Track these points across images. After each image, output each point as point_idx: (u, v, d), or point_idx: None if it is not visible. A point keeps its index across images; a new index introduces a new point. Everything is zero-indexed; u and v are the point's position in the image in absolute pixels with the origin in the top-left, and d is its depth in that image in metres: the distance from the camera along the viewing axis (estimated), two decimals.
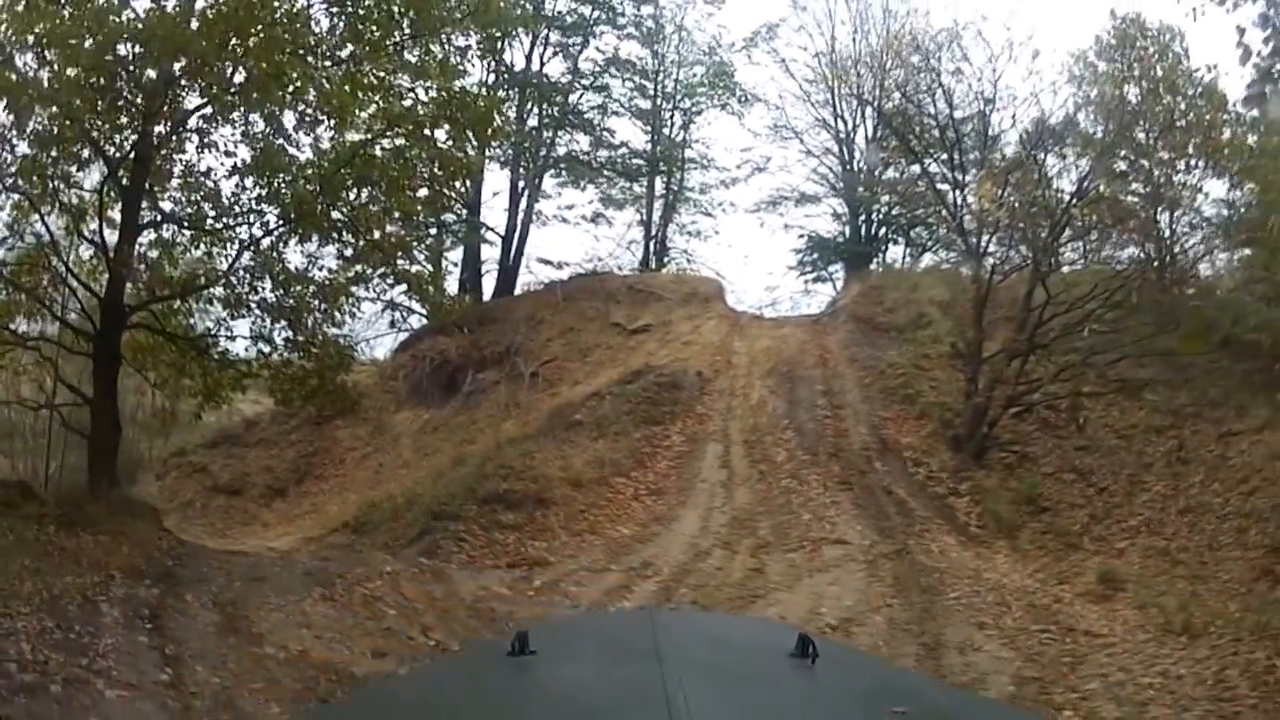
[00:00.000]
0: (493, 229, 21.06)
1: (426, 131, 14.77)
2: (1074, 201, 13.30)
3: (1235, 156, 14.74)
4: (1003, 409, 13.13)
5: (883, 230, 23.16)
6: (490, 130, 16.90)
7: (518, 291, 20.64)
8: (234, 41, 11.39)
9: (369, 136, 13.45)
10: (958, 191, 14.03)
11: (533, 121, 21.60)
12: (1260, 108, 11.84)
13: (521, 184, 21.33)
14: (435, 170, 15.47)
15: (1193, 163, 14.91)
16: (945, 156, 14.39)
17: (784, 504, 12.32)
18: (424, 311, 17.27)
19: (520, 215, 20.97)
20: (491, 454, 14.06)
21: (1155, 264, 14.64)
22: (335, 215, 12.73)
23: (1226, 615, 10.81)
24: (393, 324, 16.16)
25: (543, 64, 21.55)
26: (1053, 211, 13.22)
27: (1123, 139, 14.64)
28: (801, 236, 23.55)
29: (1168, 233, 15.40)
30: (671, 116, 23.50)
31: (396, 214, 14.12)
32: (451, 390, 17.18)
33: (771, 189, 23.75)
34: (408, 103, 14.64)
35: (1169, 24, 15.64)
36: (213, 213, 12.19)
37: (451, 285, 20.39)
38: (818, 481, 12.84)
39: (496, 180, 22.71)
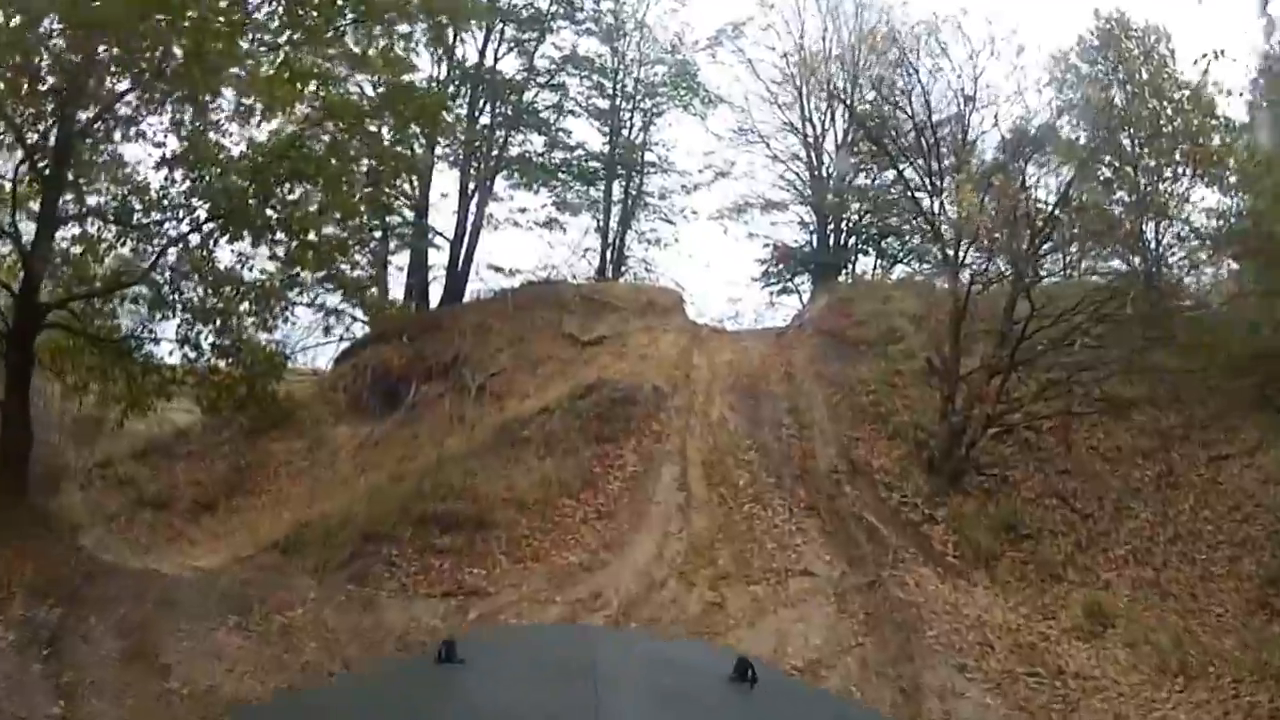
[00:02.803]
0: (441, 234, 19.95)
1: (370, 127, 13.94)
2: (1057, 209, 12.41)
3: (1225, 163, 14.07)
4: (982, 429, 12.16)
5: (852, 240, 22.32)
6: (438, 125, 15.97)
7: (467, 299, 19.47)
8: (160, 19, 10.46)
9: (304, 128, 12.61)
10: (934, 198, 13.12)
11: (485, 120, 20.56)
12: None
13: (472, 186, 20.24)
14: (377, 166, 14.53)
15: (1180, 170, 14.18)
16: (921, 161, 13.46)
17: (746, 530, 11.23)
18: (365, 318, 16.24)
19: (470, 219, 19.86)
20: (430, 472, 12.93)
21: (1143, 276, 13.80)
22: (268, 213, 11.90)
23: (1224, 653, 10.01)
24: (327, 330, 14.93)
25: (496, 60, 20.55)
26: (1033, 220, 12.32)
27: (1107, 145, 13.86)
28: (766, 245, 22.65)
29: (1154, 244, 14.65)
30: (631, 117, 22.57)
31: (336, 214, 13.26)
32: (394, 403, 16.13)
33: (736, 195, 22.87)
34: (349, 92, 13.77)
35: (1155, 24, 15.05)
36: (140, 207, 11.50)
37: (397, 292, 19.33)
38: (783, 506, 11.77)
39: (445, 182, 21.68)
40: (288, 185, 12.00)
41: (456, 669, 1.85)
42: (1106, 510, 12.75)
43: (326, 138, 12.93)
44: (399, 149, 14.80)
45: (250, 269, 11.97)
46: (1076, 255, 14.31)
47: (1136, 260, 14.30)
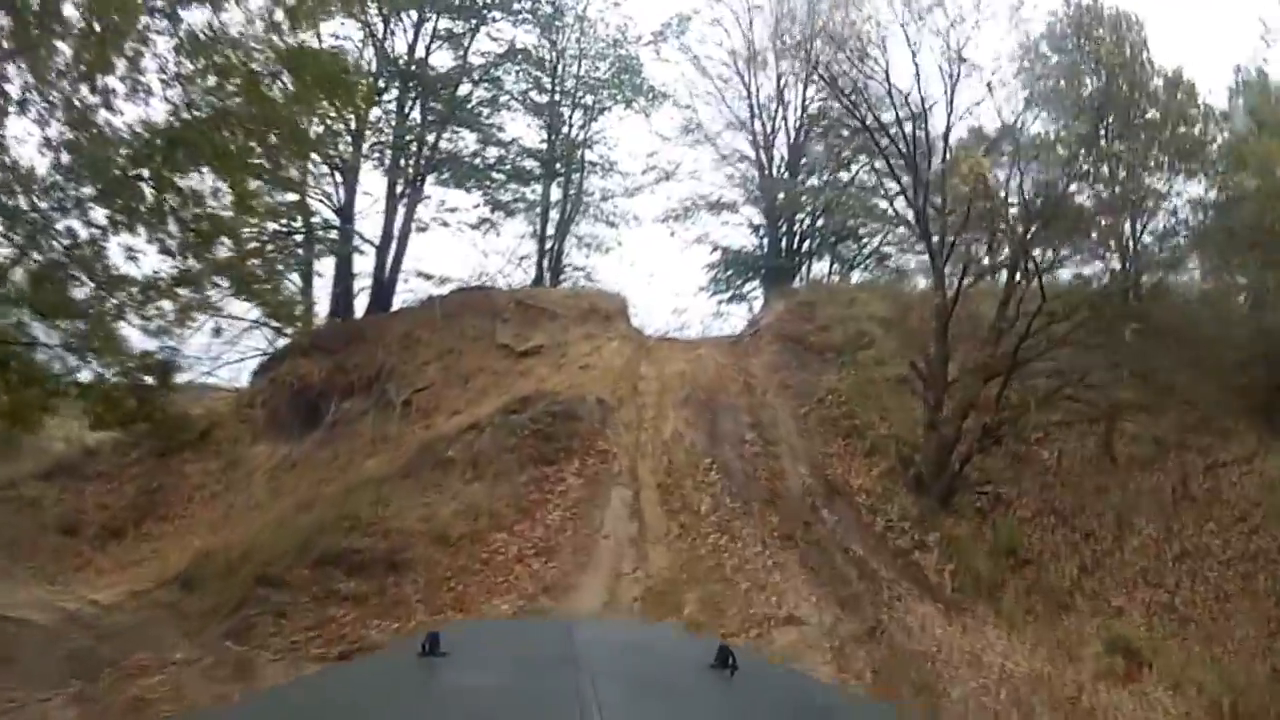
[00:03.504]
0: (368, 239, 17.93)
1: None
2: (1067, 186, 11.10)
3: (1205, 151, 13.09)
4: (975, 441, 10.65)
5: (806, 244, 20.89)
6: (351, 97, 13.94)
7: (396, 308, 17.41)
8: None
9: (189, 100, 10.84)
10: (917, 185, 11.65)
11: (416, 117, 18.59)
12: None
13: (400, 187, 18.30)
14: (271, 140, 12.54)
15: (1160, 160, 13.13)
16: (903, 144, 11.98)
17: (714, 567, 9.41)
18: (278, 326, 14.20)
19: (399, 223, 17.89)
20: (339, 500, 10.88)
21: (1131, 274, 12.63)
22: (161, 200, 10.60)
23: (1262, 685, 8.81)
24: (217, 332, 12.75)
25: (428, 53, 18.63)
26: (1031, 202, 10.97)
27: (1085, 138, 12.69)
28: (715, 251, 21.07)
29: (1133, 240, 13.54)
30: (571, 115, 20.84)
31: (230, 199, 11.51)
32: (314, 420, 14.49)
33: (681, 197, 21.27)
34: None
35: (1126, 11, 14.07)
36: (18, 192, 10.18)
37: (324, 300, 17.41)
38: (754, 536, 10.01)
39: (373, 183, 19.64)
40: (175, 166, 10.70)
41: (440, 661, 1.84)
42: (1108, 528, 11.47)
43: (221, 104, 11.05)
44: (301, 119, 12.87)
45: (140, 266, 10.70)
46: (1057, 252, 13.03)
47: (1115, 257, 13.24)
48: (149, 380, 10.98)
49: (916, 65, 11.48)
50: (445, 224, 18.97)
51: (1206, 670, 8.75)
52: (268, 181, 12.84)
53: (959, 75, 11.53)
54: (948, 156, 11.48)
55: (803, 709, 1.90)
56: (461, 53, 19.09)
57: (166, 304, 11.03)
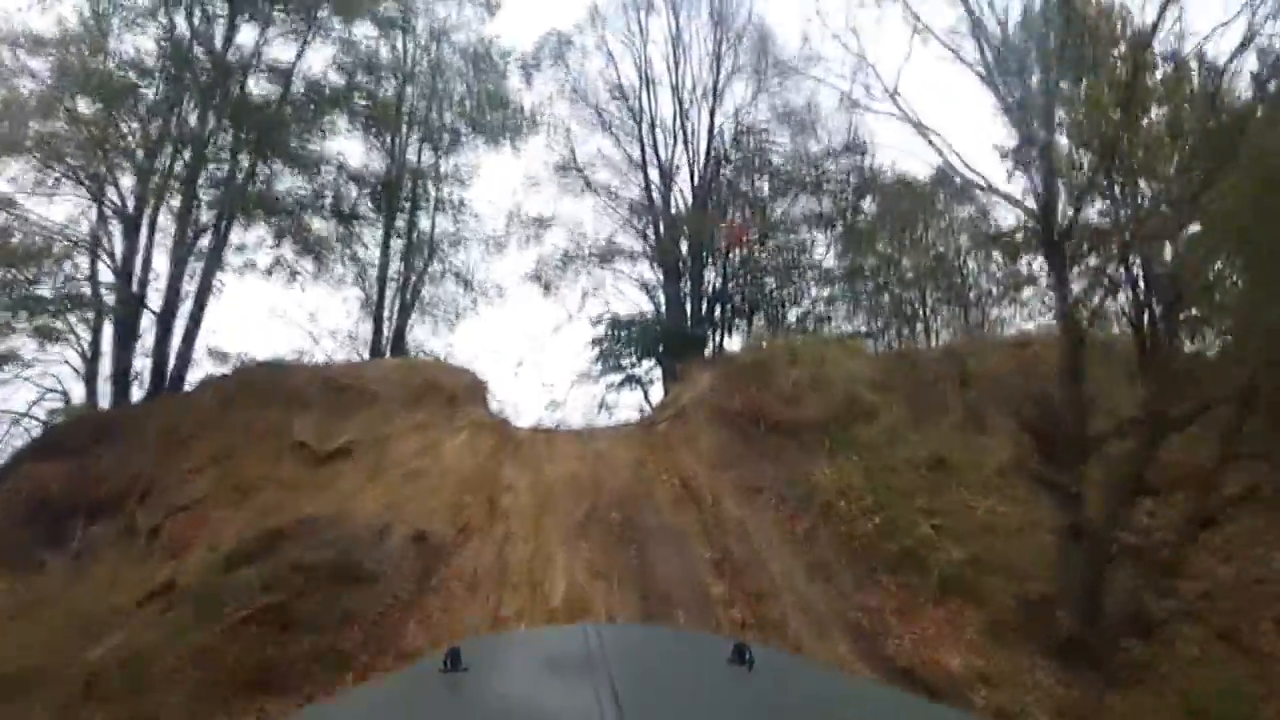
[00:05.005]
0: (151, 309, 12.57)
1: None
2: None
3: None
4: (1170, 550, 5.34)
5: (719, 307, 15.76)
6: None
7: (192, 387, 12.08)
8: None
9: None
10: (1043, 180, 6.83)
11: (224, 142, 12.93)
12: None
13: (192, 231, 12.74)
14: None
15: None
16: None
17: None
18: None
19: (190, 281, 12.74)
20: None
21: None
22: None
23: None
24: None
25: (229, 43, 13.08)
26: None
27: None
28: (600, 321, 15.69)
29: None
30: (419, 149, 15.46)
31: None
32: (59, 543, 10.12)
33: (557, 247, 16.04)
34: None
35: None
36: None
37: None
38: None
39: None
40: None
41: (462, 676, 1.81)
42: None
43: None
44: None
45: None
46: None
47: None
48: None
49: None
50: (246, 268, 13.19)
51: None
52: None
53: None
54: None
55: (822, 698, 1.78)
56: (281, 79, 13.68)
57: None
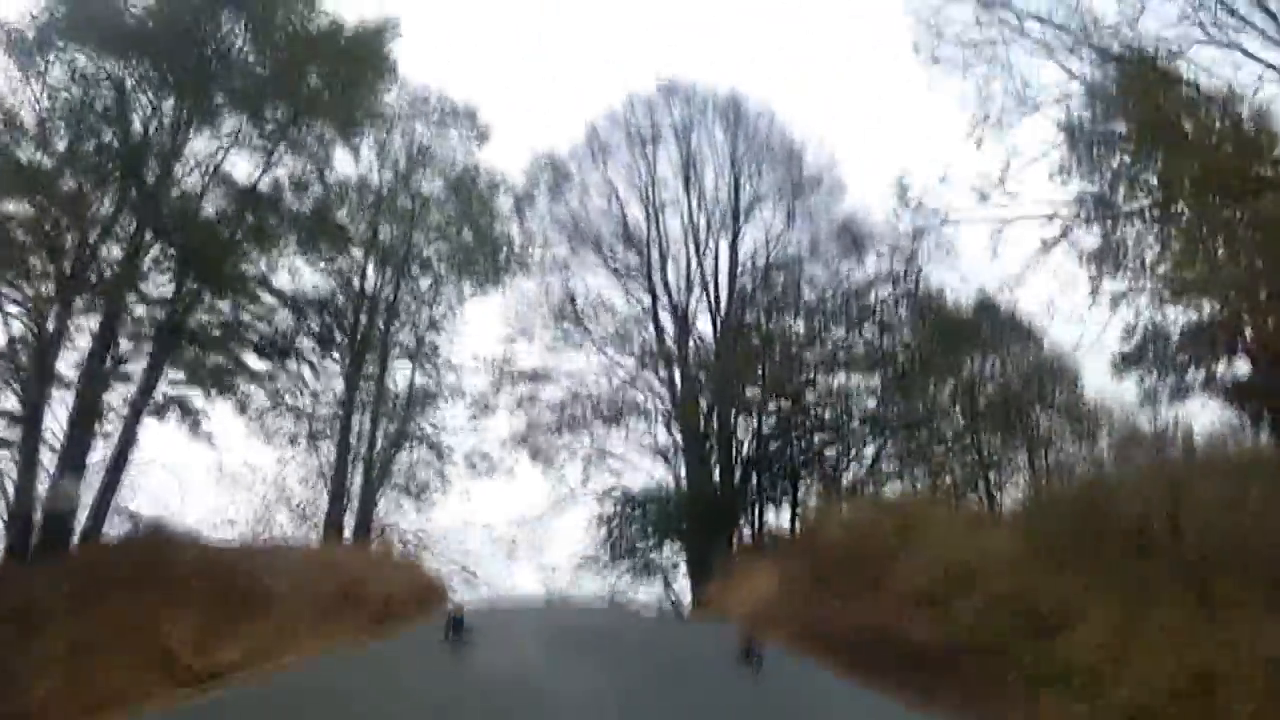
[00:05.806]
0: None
1: None
2: None
3: None
4: None
5: (752, 476, 13.29)
6: None
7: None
8: None
9: None
10: None
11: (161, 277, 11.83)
12: None
13: (110, 364, 12.06)
14: None
15: None
16: None
17: None
18: None
19: (115, 427, 11.93)
20: None
21: None
22: None
23: None
24: None
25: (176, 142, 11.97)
26: None
27: None
28: (609, 495, 13.35)
29: None
30: (395, 289, 13.77)
31: None
32: None
33: (551, 405, 14.02)
34: None
35: None
36: None
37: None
38: None
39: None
40: None
41: (464, 644, 3.04)
42: None
43: None
44: None
45: None
46: None
47: None
48: None
49: None
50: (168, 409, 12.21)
51: None
52: None
53: None
54: None
55: (831, 698, 2.37)
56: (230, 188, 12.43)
57: None
